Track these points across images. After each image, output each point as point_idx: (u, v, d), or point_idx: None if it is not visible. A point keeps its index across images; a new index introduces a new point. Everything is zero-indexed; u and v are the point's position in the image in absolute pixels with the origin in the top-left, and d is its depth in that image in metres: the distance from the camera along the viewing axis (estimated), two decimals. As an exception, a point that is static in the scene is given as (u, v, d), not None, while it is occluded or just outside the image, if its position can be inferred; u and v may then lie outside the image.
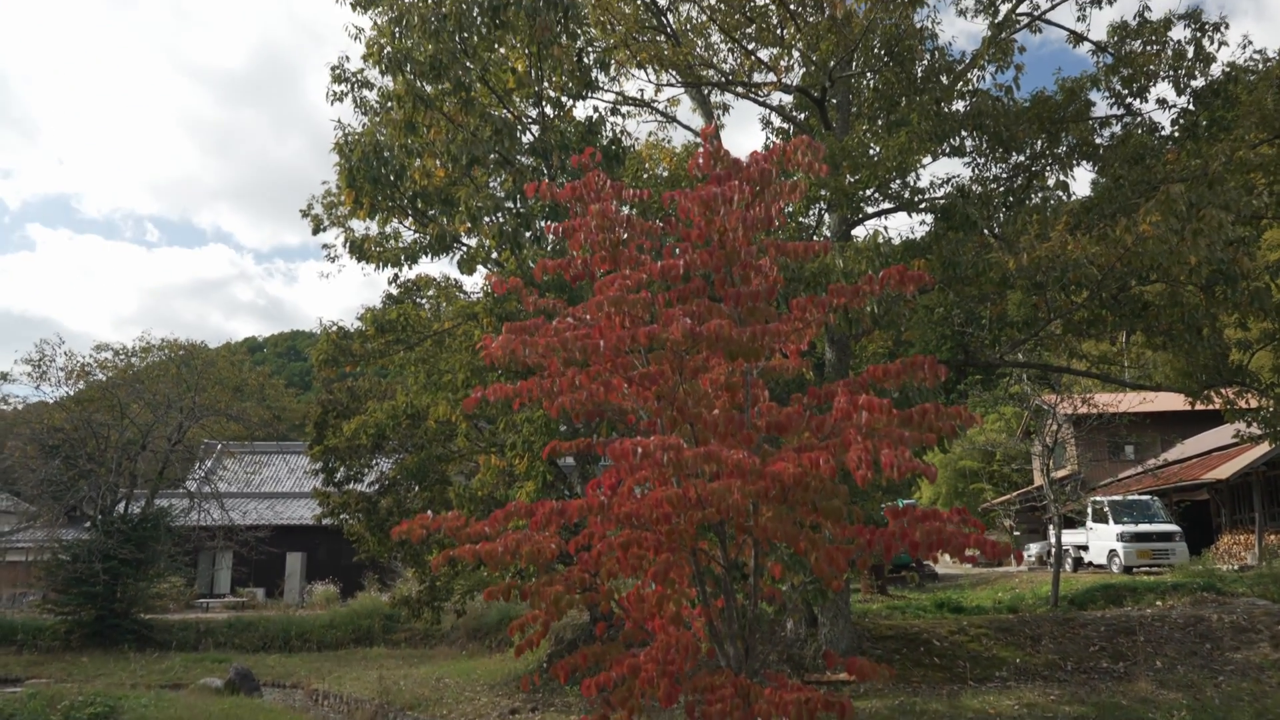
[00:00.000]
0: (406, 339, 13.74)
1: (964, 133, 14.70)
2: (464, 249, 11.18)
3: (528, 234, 10.18)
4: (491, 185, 12.41)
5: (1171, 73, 15.81)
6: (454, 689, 16.64)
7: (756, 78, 16.13)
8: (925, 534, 5.28)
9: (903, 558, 27.70)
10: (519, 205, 10.37)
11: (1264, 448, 24.27)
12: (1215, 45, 15.05)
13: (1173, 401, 34.12)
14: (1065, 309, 12.85)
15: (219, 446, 41.59)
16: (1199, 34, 15.39)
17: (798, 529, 5.37)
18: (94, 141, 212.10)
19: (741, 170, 5.67)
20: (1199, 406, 15.98)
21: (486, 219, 10.21)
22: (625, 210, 6.07)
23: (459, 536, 5.77)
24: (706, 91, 17.28)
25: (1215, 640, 15.15)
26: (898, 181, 13.26)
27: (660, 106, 18.57)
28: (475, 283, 23.76)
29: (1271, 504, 25.87)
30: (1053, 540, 30.27)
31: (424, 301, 18.50)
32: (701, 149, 5.87)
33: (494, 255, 10.96)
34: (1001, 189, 15.10)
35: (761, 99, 16.35)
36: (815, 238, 17.32)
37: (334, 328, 13.05)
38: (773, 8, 15.67)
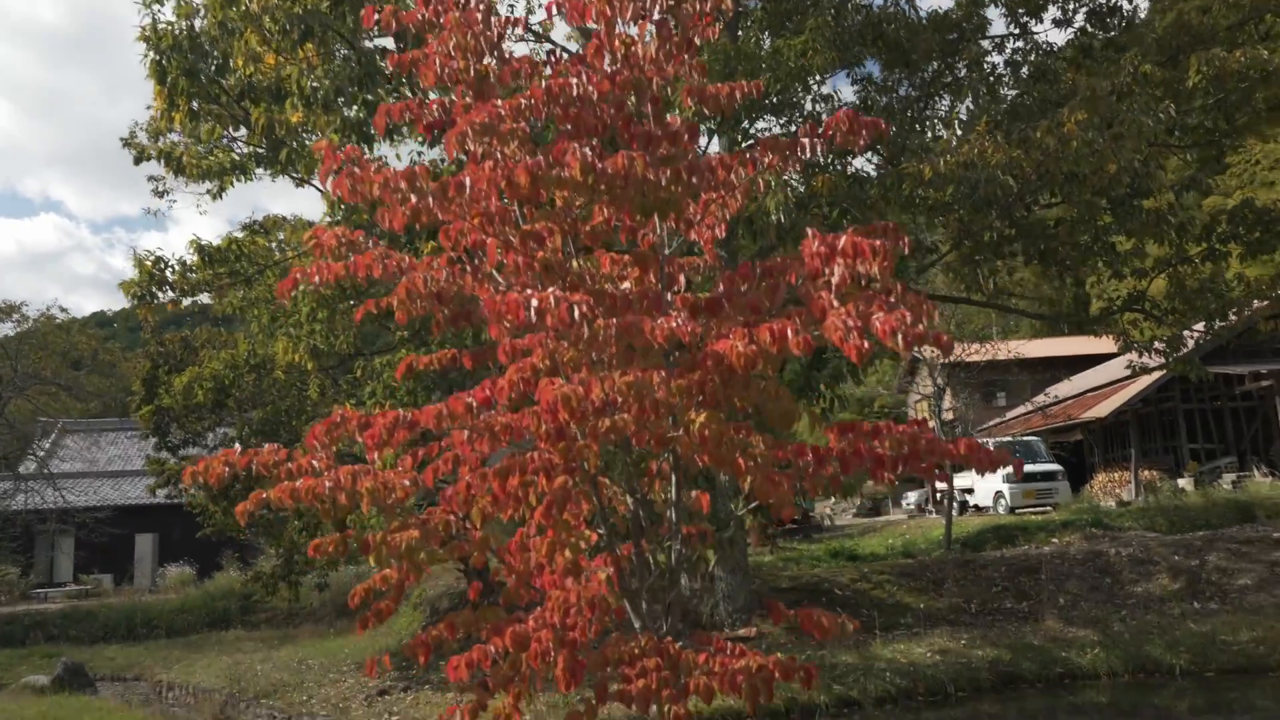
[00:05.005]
0: (243, 271, 11.78)
1: (863, 48, 13.71)
2: (298, 148, 9.38)
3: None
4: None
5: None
6: (317, 671, 14.89)
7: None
8: (895, 444, 4.09)
9: (790, 509, 27.22)
10: (366, 93, 8.67)
11: (1139, 386, 24.69)
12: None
13: (1042, 348, 34.94)
14: (977, 228, 12.02)
15: (59, 424, 37.73)
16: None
17: (733, 444, 4.08)
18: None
19: (649, -26, 4.25)
20: (1082, 351, 15.72)
21: (327, 101, 8.43)
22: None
23: (276, 474, 4.26)
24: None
25: (1115, 574, 14.86)
26: (799, 93, 12.08)
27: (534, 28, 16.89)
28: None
29: (1145, 440, 26.44)
30: (933, 486, 30.47)
31: (274, 245, 16.44)
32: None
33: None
34: (903, 108, 14.20)
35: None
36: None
37: (150, 257, 11.01)
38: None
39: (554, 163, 3.57)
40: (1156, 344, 14.95)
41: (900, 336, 2.91)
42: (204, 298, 14.05)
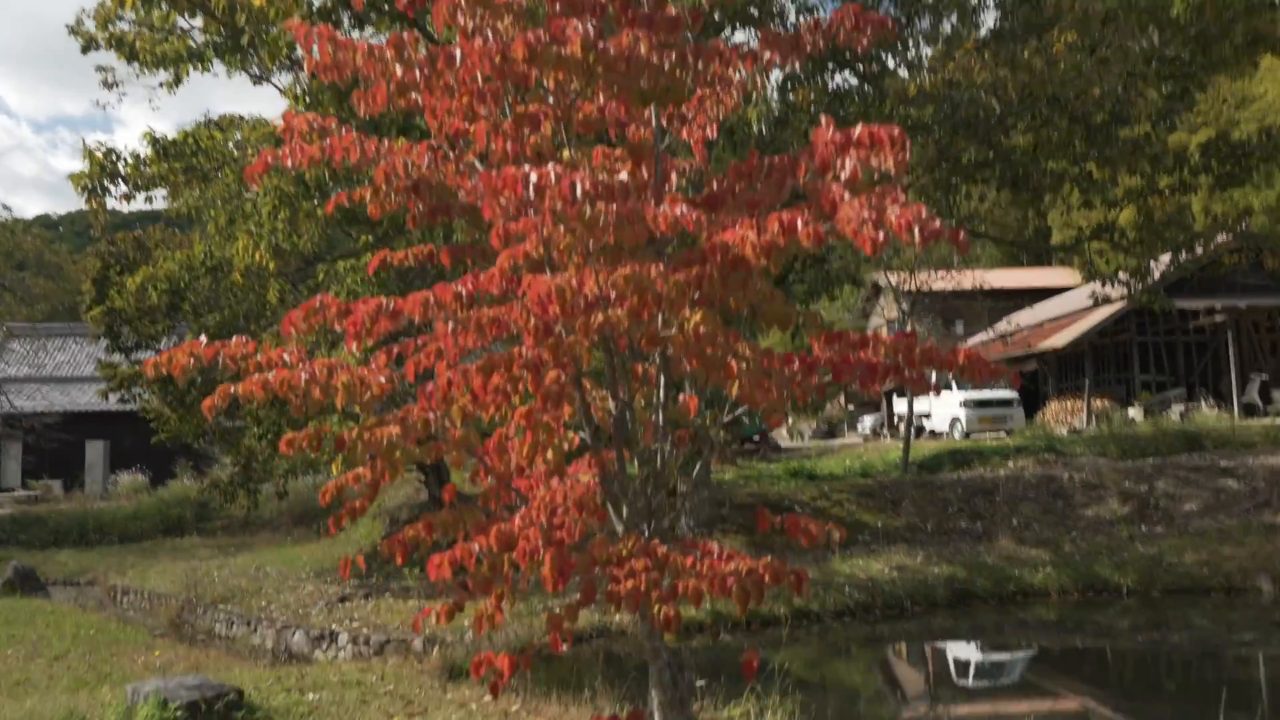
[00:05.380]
0: (200, 167, 11.27)
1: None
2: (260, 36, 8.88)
3: (346, 13, 8.07)
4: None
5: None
6: (275, 578, 14.86)
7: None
8: (890, 352, 4.00)
9: (747, 430, 27.49)
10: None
11: (1096, 318, 25.03)
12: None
13: (1002, 279, 35.28)
14: (955, 150, 11.88)
15: (4, 327, 36.61)
16: None
17: (726, 346, 3.96)
18: None
19: None
20: (1039, 284, 15.77)
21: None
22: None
23: (245, 366, 4.06)
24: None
25: (1067, 498, 15.24)
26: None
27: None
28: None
29: (1099, 371, 26.95)
30: (889, 411, 30.94)
31: (231, 145, 15.82)
32: None
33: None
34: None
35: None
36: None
37: (101, 149, 10.44)
38: None
39: (554, 39, 3.34)
40: (1121, 274, 15.09)
41: (917, 230, 2.78)
42: (158, 200, 13.53)
